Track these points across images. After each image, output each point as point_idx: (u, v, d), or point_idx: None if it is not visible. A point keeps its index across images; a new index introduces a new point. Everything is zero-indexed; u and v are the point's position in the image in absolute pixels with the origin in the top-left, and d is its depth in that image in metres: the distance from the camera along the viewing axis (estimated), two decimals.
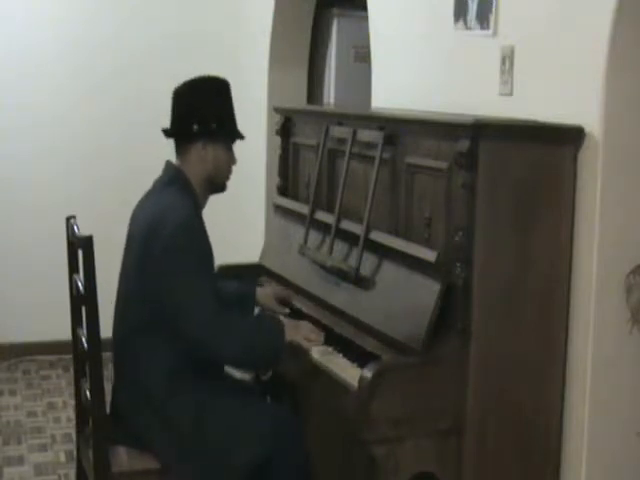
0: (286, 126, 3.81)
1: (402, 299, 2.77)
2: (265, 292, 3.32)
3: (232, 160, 3.02)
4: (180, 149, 2.97)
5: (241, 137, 3.03)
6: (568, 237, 2.73)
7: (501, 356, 2.68)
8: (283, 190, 3.84)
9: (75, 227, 2.94)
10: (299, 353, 2.89)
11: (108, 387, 2.81)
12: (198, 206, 2.95)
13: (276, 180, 3.91)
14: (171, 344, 2.80)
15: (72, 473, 3.66)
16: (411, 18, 3.66)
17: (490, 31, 3.12)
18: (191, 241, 2.80)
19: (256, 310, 3.26)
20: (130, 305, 2.87)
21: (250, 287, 3.33)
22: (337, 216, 3.19)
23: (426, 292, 2.66)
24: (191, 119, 2.92)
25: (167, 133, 3.01)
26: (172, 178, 2.94)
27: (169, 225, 2.78)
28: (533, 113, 2.86)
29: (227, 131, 2.99)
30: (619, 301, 2.70)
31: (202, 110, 2.94)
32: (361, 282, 2.98)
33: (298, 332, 2.91)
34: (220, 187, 3.03)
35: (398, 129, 2.96)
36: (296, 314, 3.25)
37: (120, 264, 2.97)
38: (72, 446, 3.92)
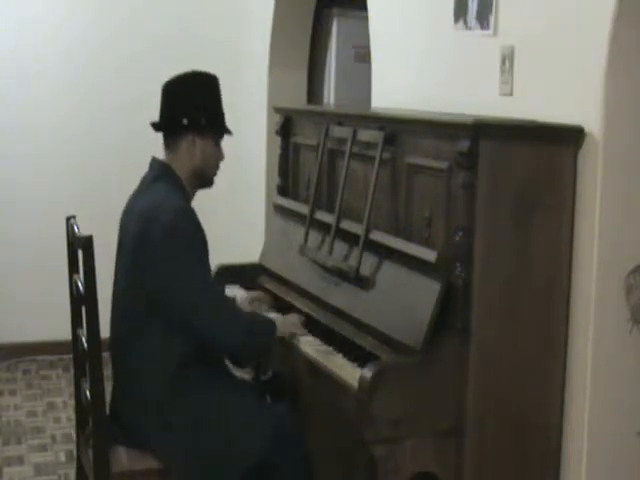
0: (286, 126, 3.81)
1: (402, 299, 2.77)
2: (242, 295, 3.34)
3: (220, 156, 3.02)
4: (169, 143, 2.97)
5: (229, 133, 3.03)
6: (568, 237, 2.73)
7: (501, 356, 2.68)
8: (283, 190, 3.84)
9: (75, 227, 2.94)
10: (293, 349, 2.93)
11: (108, 387, 2.81)
12: (188, 198, 2.96)
13: (276, 180, 3.91)
14: (170, 344, 2.80)
15: (72, 473, 3.66)
16: (411, 18, 3.66)
17: (490, 31, 3.12)
18: (191, 227, 2.82)
19: None
20: (128, 304, 2.87)
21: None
22: (337, 216, 3.19)
23: (426, 292, 2.66)
24: (181, 113, 2.93)
25: (156, 127, 3.01)
26: (160, 174, 2.94)
27: (168, 212, 2.79)
28: (533, 113, 2.86)
29: (216, 127, 2.99)
30: (619, 301, 2.70)
31: (192, 104, 2.95)
32: (361, 282, 2.98)
33: (287, 325, 3.03)
34: (208, 182, 3.03)
35: (398, 129, 2.96)
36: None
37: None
38: (72, 446, 3.93)
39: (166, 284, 2.77)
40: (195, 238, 2.82)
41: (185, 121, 2.92)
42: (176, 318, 2.79)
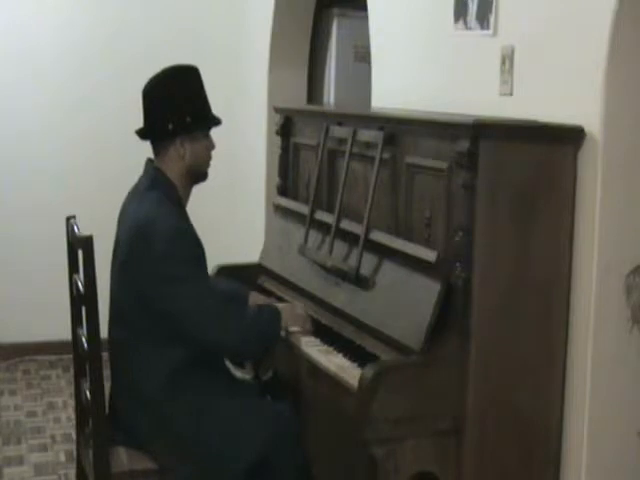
0: (286, 126, 3.81)
1: (402, 299, 2.77)
2: (257, 299, 3.33)
3: (211, 146, 2.98)
4: (157, 149, 2.95)
5: (217, 123, 2.99)
6: (568, 237, 2.73)
7: (501, 356, 2.68)
8: (283, 190, 3.84)
9: (75, 227, 2.94)
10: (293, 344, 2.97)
11: (108, 387, 2.81)
12: (182, 206, 2.94)
13: (276, 180, 3.91)
14: (169, 346, 2.80)
15: (72, 473, 3.66)
16: (411, 18, 3.66)
17: (490, 31, 3.12)
18: (184, 246, 2.80)
19: None
20: (125, 310, 2.86)
21: (244, 292, 3.34)
22: (337, 216, 3.19)
23: (426, 292, 2.66)
24: (165, 118, 2.89)
25: (141, 135, 2.98)
26: (153, 182, 2.91)
27: (160, 233, 2.76)
28: (533, 113, 2.86)
29: (203, 121, 2.95)
30: (619, 301, 2.70)
31: (175, 106, 2.90)
32: (361, 282, 2.98)
33: (293, 315, 3.05)
34: (202, 177, 3.00)
35: (398, 129, 2.96)
36: None
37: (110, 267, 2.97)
38: (72, 446, 3.93)
39: (166, 304, 2.77)
40: (188, 257, 2.80)
41: (170, 126, 2.87)
42: (178, 330, 2.79)
